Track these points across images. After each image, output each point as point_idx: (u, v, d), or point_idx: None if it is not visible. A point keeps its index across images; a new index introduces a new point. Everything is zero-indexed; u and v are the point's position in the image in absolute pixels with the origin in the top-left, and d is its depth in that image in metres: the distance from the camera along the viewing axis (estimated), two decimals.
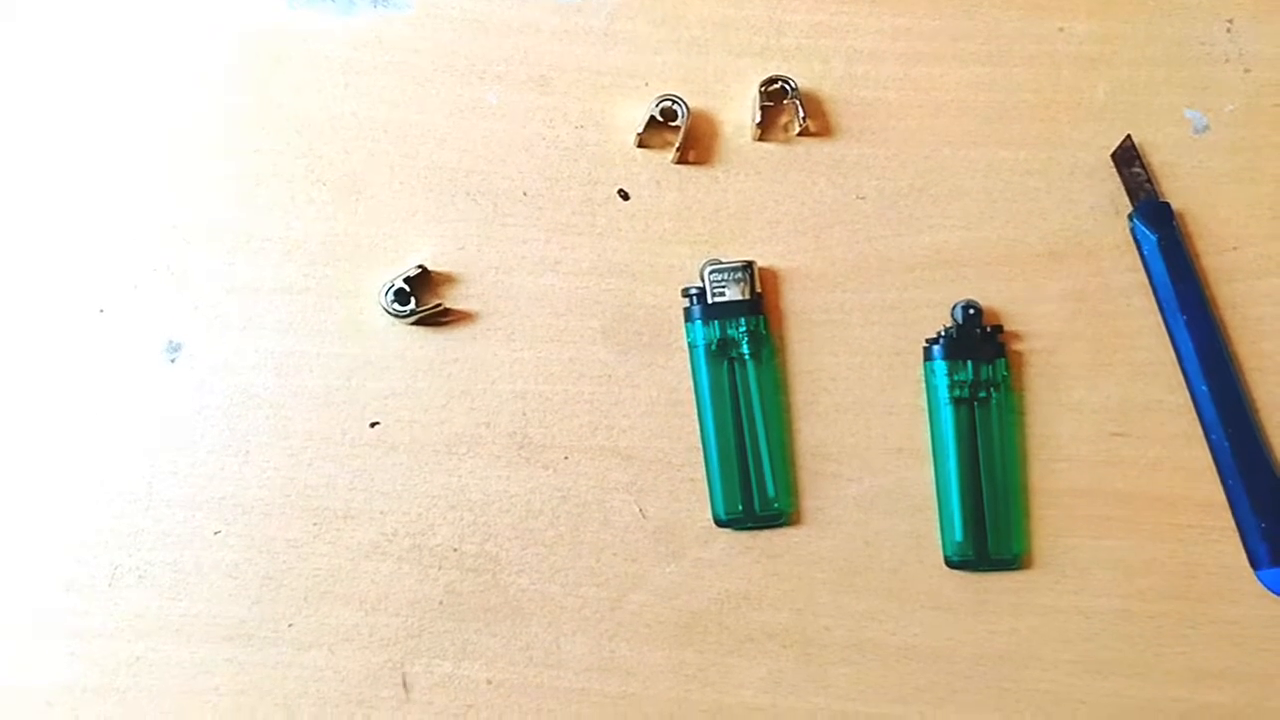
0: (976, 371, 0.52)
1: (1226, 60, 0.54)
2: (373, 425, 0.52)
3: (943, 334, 0.52)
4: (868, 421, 0.52)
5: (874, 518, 0.52)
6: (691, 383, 0.52)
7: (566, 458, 0.52)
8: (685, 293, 0.52)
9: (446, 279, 0.53)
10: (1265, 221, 0.53)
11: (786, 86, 0.53)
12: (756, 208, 0.54)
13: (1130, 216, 0.53)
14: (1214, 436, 0.52)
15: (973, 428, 0.52)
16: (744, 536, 0.52)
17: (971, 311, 0.52)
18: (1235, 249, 0.53)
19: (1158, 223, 0.52)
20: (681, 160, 0.54)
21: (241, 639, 0.51)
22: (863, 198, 0.54)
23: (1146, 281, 0.53)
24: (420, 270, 0.52)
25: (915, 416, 0.52)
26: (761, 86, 0.53)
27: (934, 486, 0.52)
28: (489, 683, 0.51)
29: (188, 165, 0.53)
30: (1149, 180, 0.53)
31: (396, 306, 0.52)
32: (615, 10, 0.54)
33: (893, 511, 0.52)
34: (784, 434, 0.52)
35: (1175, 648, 0.51)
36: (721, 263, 0.52)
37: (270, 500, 0.52)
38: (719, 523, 0.52)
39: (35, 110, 0.54)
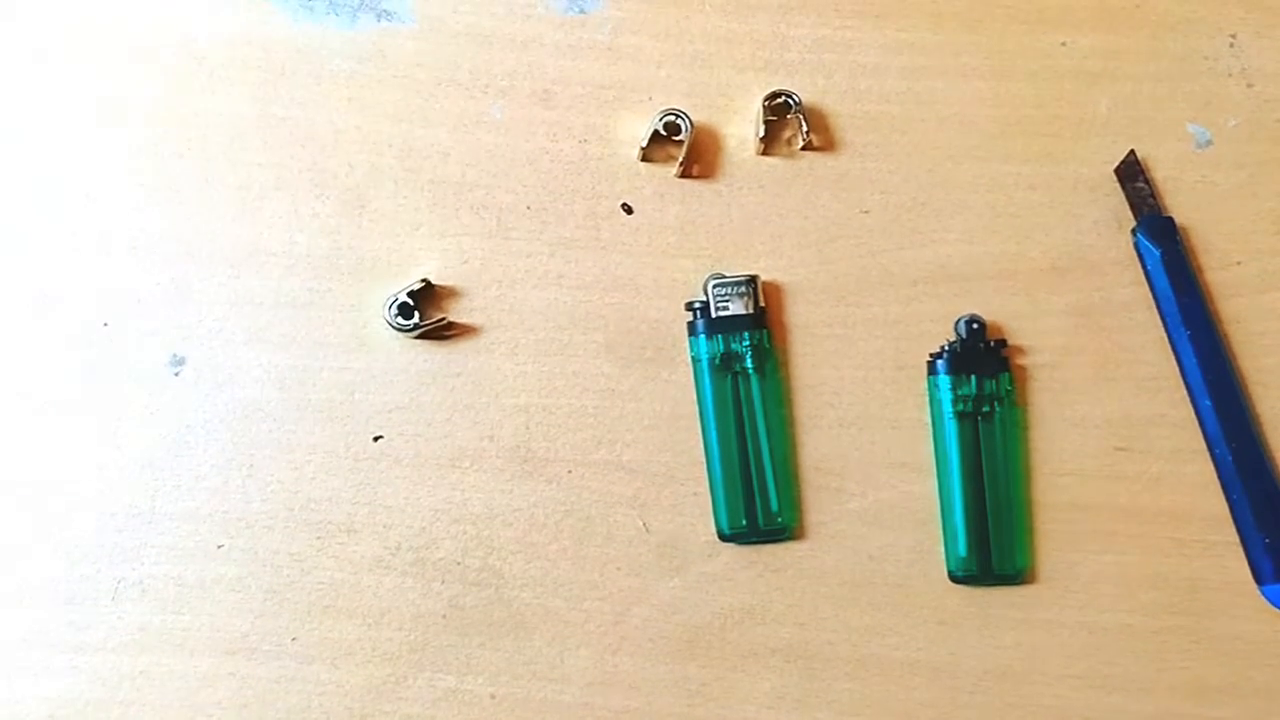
0: (980, 386, 0.52)
1: (1229, 75, 0.54)
2: (376, 439, 0.52)
3: (946, 348, 0.52)
4: (871, 436, 0.52)
5: (877, 532, 0.52)
6: (695, 397, 0.52)
7: (570, 472, 0.52)
8: (689, 307, 0.52)
9: (450, 293, 0.53)
10: (1268, 236, 0.53)
11: (790, 101, 0.53)
12: (760, 222, 0.54)
13: (1133, 231, 0.53)
14: (1217, 451, 0.52)
15: (976, 442, 0.52)
16: (747, 551, 0.52)
17: (975, 326, 0.52)
18: (1239, 263, 0.53)
19: (1161, 237, 0.52)
20: (685, 174, 0.54)
21: (244, 653, 0.51)
22: (866, 212, 0.54)
23: (1150, 296, 0.53)
24: (424, 284, 0.52)
25: (919, 431, 0.52)
26: (765, 101, 0.53)
27: (937, 501, 0.52)
28: (492, 697, 0.51)
29: (192, 178, 0.53)
30: (1152, 195, 0.53)
31: (400, 320, 0.52)
32: (619, 24, 0.55)
33: (896, 526, 0.52)
34: (787, 448, 0.52)
35: (1179, 663, 0.51)
36: (725, 277, 0.52)
37: (273, 514, 0.52)
38: (722, 537, 0.52)
39: (36, 119, 0.54)
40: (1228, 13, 0.55)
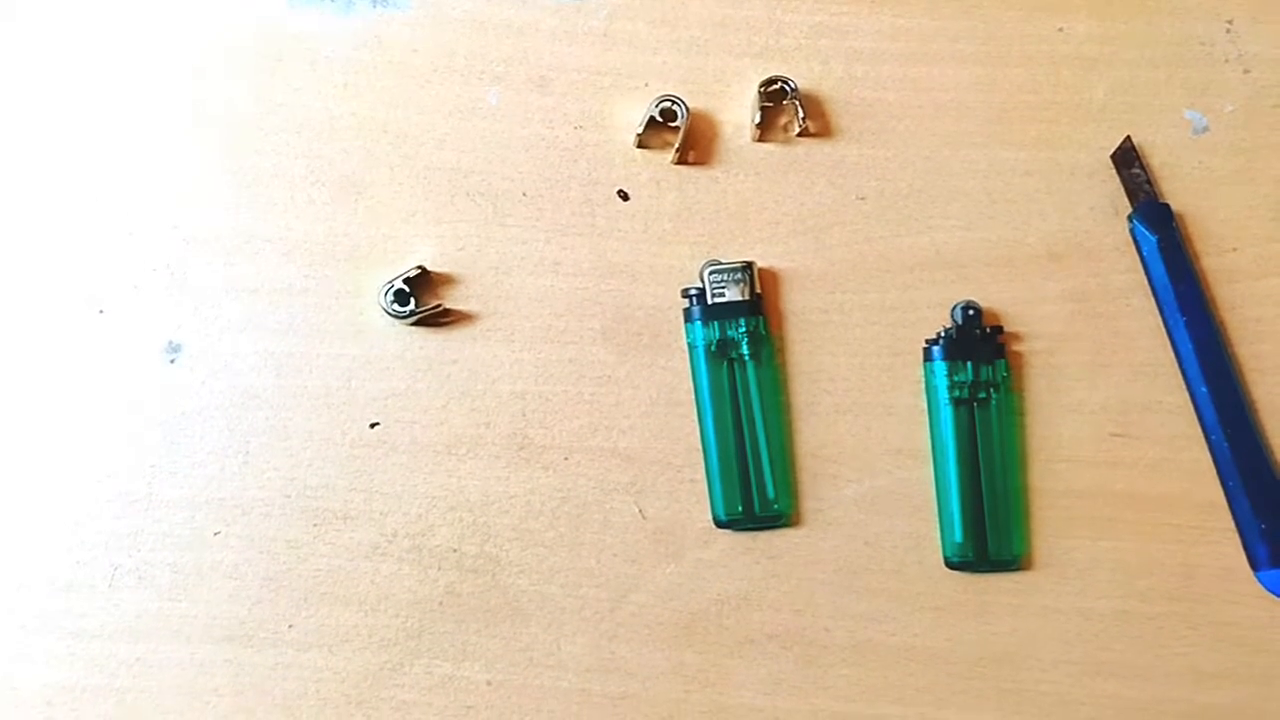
0: (976, 372, 0.52)
1: (1226, 61, 0.54)
2: (372, 426, 0.52)
3: (942, 335, 0.52)
4: (867, 422, 0.52)
5: (874, 519, 0.52)
6: (691, 383, 0.52)
7: (566, 458, 0.52)
8: (685, 293, 0.52)
9: (446, 279, 0.53)
10: (1265, 222, 0.53)
11: (786, 87, 0.53)
12: (756, 208, 0.54)
13: (1130, 217, 0.53)
14: (1213, 437, 0.52)
15: (972, 428, 0.52)
16: (744, 537, 0.52)
17: (971, 312, 0.52)
18: (1235, 250, 0.53)
19: (1157, 224, 0.52)
20: (681, 161, 0.54)
21: (241, 640, 0.51)
22: (862, 198, 0.54)
23: (1146, 282, 0.53)
24: (420, 271, 0.52)
25: (915, 417, 0.52)
26: (761, 87, 0.53)
27: (934, 487, 0.52)
28: (489, 684, 0.51)
29: (187, 166, 0.53)
30: (1148, 181, 0.53)
31: (396, 307, 0.52)
32: (615, 10, 0.54)
33: (892, 512, 0.52)
34: (784, 435, 0.52)
35: (1175, 649, 0.51)
36: (721, 263, 0.52)
37: (270, 501, 0.52)
38: (719, 524, 0.52)
39: (35, 110, 0.54)
40: None
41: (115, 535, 0.51)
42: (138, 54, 0.54)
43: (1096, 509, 0.52)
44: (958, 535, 0.51)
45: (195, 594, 0.51)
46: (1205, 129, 0.54)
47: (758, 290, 0.52)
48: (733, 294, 0.52)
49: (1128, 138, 0.53)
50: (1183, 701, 0.51)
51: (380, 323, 0.53)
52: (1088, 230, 0.53)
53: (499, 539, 0.52)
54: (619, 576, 0.52)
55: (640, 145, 0.54)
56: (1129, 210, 0.53)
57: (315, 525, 0.52)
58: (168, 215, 0.53)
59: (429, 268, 0.53)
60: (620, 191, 0.54)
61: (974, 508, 0.51)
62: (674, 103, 0.53)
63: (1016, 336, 0.53)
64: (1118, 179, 0.53)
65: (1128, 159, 0.53)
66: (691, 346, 0.52)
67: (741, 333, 0.52)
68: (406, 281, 0.52)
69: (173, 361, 0.52)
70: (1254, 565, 0.51)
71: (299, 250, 0.53)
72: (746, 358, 0.52)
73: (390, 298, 0.52)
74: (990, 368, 0.52)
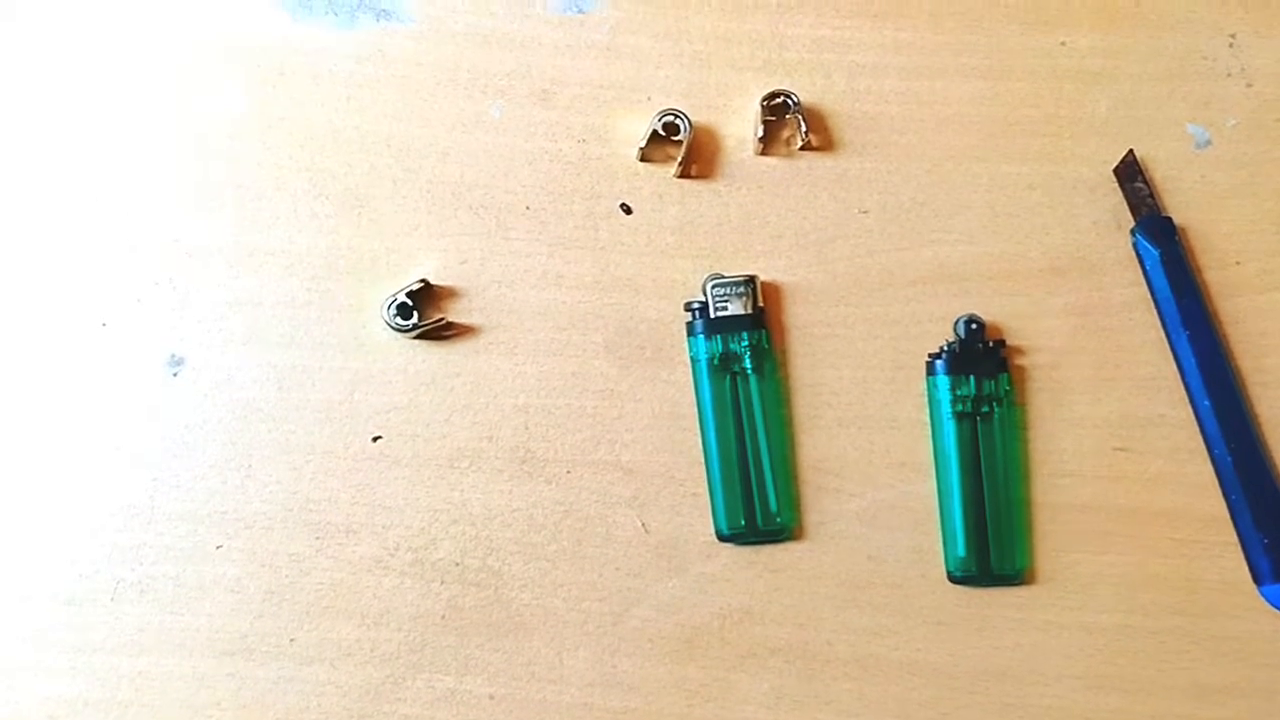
0: (979, 386, 0.52)
1: (1228, 75, 0.54)
2: (375, 439, 0.52)
3: (945, 348, 0.52)
4: (870, 436, 0.52)
5: (876, 533, 0.52)
6: (694, 397, 0.52)
7: (569, 472, 0.52)
8: (688, 307, 0.52)
9: (449, 293, 0.53)
10: (1267, 236, 0.53)
11: (789, 101, 0.53)
12: (759, 222, 0.54)
13: (1132, 231, 0.53)
14: (1216, 451, 0.51)
15: (975, 442, 0.52)
16: (746, 551, 0.52)
17: (974, 326, 0.52)
18: (1237, 264, 0.53)
19: (1160, 238, 0.52)
20: (684, 174, 0.54)
21: (243, 654, 0.51)
22: (865, 212, 0.54)
23: (1149, 296, 0.53)
24: (423, 284, 0.52)
25: (918, 431, 0.52)
26: (764, 101, 0.53)
27: (936, 501, 0.52)
28: (491, 698, 0.51)
29: (190, 179, 0.53)
30: (1151, 195, 0.53)
31: (399, 320, 0.52)
32: (618, 24, 0.54)
33: (895, 526, 0.52)
34: (786, 448, 0.52)
35: (1178, 663, 0.51)
36: (724, 277, 0.52)
37: (272, 514, 0.52)
38: (721, 537, 0.52)
39: (36, 122, 0.54)
40: (1227, 12, 0.55)
41: (117, 548, 0.51)
42: (139, 66, 0.54)
43: (1099, 523, 0.52)
44: (960, 549, 0.51)
45: (197, 607, 0.51)
46: (1208, 143, 0.54)
47: (760, 304, 0.52)
48: (735, 308, 0.52)
49: (1130, 152, 0.53)
50: (1186, 716, 0.51)
51: (383, 336, 0.53)
52: (1090, 244, 0.53)
53: (501, 553, 0.52)
54: (621, 590, 0.52)
55: (643, 159, 0.54)
56: (1131, 224, 0.53)
57: (317, 539, 0.52)
58: (170, 228, 0.53)
59: (432, 281, 0.53)
60: (623, 205, 0.54)
61: (977, 522, 0.51)
62: (677, 116, 0.53)
63: (1019, 350, 0.53)
64: (1120, 193, 0.53)
65: (1130, 173, 0.53)
66: (694, 360, 0.52)
67: (744, 346, 0.52)
68: (409, 295, 0.52)
69: (175, 375, 0.52)
70: (1257, 579, 0.51)
71: (301, 263, 0.53)
72: (749, 371, 0.52)
73: (393, 311, 0.52)
74: (993, 382, 0.52)
